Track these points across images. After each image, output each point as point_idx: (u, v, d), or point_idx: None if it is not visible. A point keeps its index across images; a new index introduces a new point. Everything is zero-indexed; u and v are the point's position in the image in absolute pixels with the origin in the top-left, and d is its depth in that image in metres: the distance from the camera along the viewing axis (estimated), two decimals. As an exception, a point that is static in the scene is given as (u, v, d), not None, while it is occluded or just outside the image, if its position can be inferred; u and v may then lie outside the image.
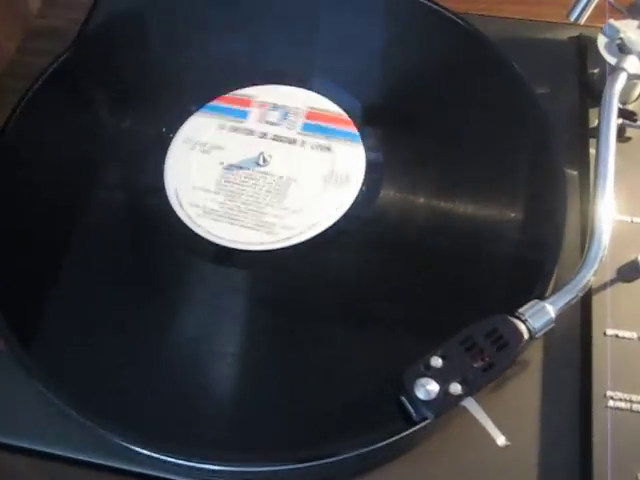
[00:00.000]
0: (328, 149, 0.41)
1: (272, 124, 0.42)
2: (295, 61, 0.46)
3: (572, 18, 0.44)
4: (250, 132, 0.42)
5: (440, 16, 0.46)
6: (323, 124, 0.42)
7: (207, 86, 0.44)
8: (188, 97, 0.44)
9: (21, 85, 0.48)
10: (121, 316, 0.36)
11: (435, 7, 0.46)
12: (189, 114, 0.43)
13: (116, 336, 0.35)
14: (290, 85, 0.44)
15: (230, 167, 0.41)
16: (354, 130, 0.42)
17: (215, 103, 0.44)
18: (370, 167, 0.40)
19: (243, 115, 0.43)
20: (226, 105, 0.44)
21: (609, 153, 0.38)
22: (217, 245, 0.38)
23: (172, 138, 0.42)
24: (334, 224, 0.38)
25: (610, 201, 0.36)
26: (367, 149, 0.41)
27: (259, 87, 0.44)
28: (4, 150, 0.43)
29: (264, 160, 0.40)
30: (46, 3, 0.52)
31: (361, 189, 0.39)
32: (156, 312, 0.36)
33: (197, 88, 0.44)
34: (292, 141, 0.42)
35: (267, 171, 0.41)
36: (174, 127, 0.43)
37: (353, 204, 0.39)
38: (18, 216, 0.40)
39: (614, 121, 0.38)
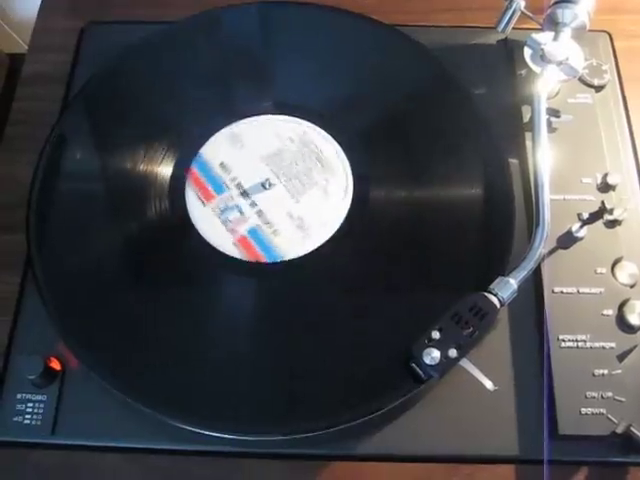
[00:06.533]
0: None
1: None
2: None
3: (499, 29, 0.53)
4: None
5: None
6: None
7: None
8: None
9: (26, 131, 0.54)
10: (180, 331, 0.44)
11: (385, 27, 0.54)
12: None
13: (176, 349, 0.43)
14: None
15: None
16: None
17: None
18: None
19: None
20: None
21: (543, 146, 0.47)
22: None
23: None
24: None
25: (548, 185, 0.46)
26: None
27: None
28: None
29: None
30: (31, 49, 0.57)
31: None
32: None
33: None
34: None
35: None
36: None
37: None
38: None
39: (544, 119, 0.48)
